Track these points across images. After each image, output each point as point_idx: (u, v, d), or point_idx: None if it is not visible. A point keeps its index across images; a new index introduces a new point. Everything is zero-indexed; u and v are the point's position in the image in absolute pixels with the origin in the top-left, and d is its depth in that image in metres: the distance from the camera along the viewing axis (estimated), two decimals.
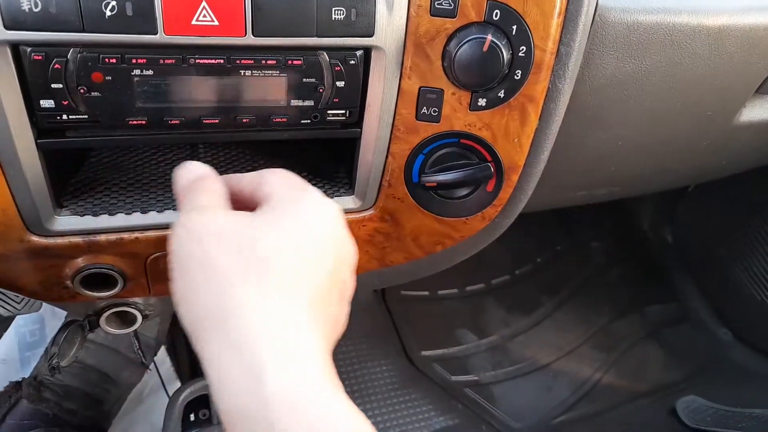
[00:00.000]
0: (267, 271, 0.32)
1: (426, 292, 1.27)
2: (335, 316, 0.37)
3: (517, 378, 1.17)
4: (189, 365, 1.07)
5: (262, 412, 0.28)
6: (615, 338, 1.28)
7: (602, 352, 1.24)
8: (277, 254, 0.33)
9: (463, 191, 0.56)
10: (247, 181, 0.40)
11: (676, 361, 1.25)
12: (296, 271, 0.33)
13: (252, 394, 0.29)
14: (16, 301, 0.76)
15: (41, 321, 1.11)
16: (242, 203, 0.40)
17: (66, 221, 0.48)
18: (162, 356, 1.04)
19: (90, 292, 0.53)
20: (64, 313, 0.96)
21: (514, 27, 0.47)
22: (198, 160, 0.59)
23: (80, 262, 0.51)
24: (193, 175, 0.40)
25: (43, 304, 0.68)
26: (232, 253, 0.33)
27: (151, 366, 1.01)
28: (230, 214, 0.36)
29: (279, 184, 0.38)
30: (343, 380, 0.99)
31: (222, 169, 0.58)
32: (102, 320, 0.67)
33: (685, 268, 1.42)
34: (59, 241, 0.49)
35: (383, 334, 1.14)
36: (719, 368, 1.25)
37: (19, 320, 1.10)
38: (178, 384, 1.03)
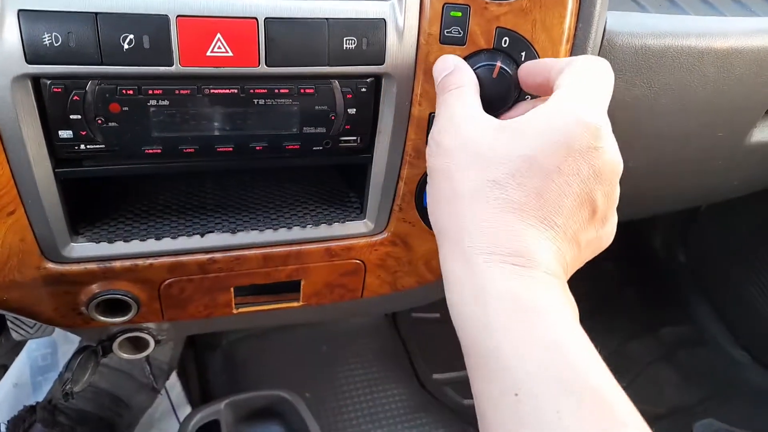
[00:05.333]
0: (501, 189, 0.35)
1: (437, 315, 1.26)
2: (580, 234, 0.36)
3: None
4: (199, 390, 1.07)
5: (482, 314, 0.33)
6: (629, 360, 1.26)
7: (616, 374, 1.21)
8: (511, 175, 0.35)
9: None
10: (544, 66, 0.42)
11: (693, 384, 1.22)
12: (532, 191, 0.35)
13: (474, 299, 0.34)
14: (29, 326, 0.76)
15: (53, 345, 1.11)
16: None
17: (82, 248, 0.49)
18: (173, 381, 1.04)
19: (104, 318, 0.53)
20: (77, 337, 0.96)
21: (523, 53, 0.48)
22: (209, 185, 0.60)
23: (95, 288, 0.51)
24: (444, 69, 0.43)
25: (56, 328, 0.69)
26: (469, 168, 0.36)
27: (162, 390, 1.00)
28: (477, 126, 0.38)
29: (573, 77, 0.38)
30: (354, 405, 0.98)
31: (234, 194, 0.59)
32: (115, 345, 0.67)
33: (700, 289, 1.40)
34: (75, 267, 0.49)
35: (394, 358, 1.13)
36: (736, 390, 1.22)
37: (31, 344, 1.10)
38: (188, 408, 1.02)
